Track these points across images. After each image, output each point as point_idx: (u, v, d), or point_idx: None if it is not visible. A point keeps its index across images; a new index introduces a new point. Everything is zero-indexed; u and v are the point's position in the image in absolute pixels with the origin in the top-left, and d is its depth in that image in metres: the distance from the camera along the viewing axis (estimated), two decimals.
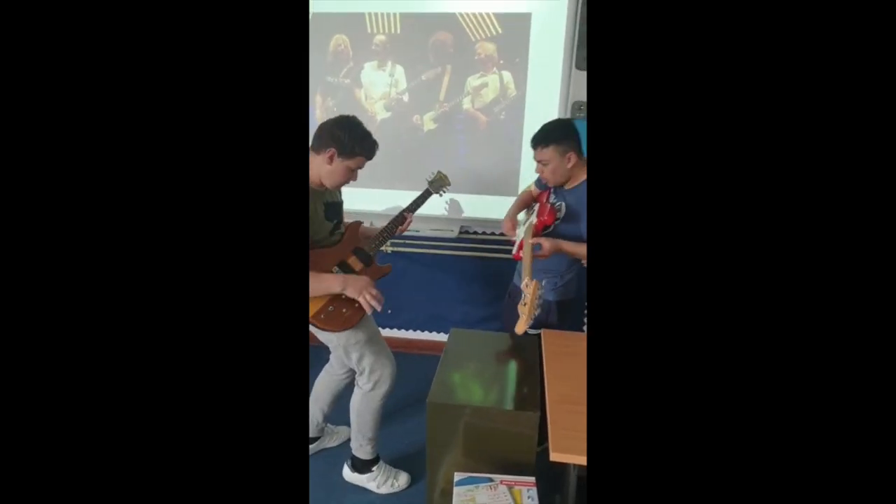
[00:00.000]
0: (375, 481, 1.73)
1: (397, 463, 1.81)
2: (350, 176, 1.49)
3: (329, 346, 1.64)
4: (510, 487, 1.17)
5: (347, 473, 1.76)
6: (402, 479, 1.76)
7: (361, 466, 1.73)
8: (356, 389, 1.69)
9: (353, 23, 2.14)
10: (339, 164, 1.44)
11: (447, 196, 2.29)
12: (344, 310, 1.50)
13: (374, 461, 1.74)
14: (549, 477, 1.52)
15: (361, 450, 1.71)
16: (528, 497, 1.15)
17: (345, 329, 1.51)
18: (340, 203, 1.62)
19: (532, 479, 1.20)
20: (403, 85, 2.19)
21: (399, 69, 2.18)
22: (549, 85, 2.09)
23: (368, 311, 1.47)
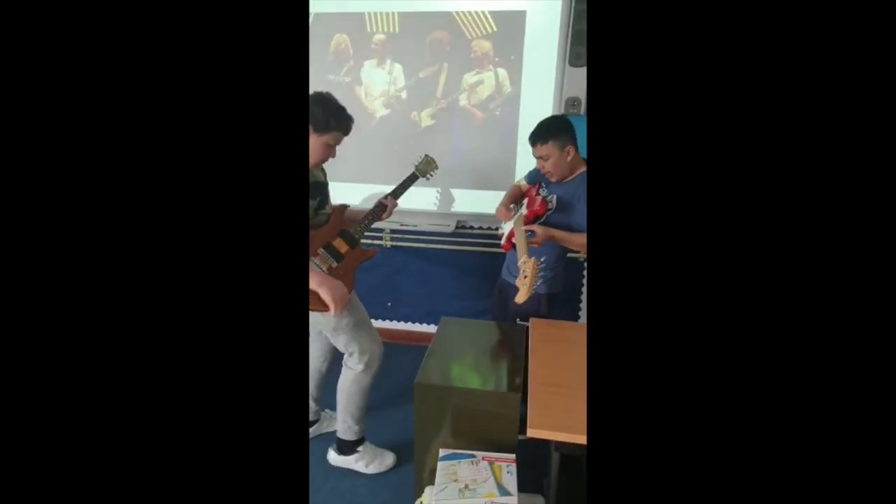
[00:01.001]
0: (363, 461, 1.76)
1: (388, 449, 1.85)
2: (328, 152, 1.51)
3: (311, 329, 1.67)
4: (491, 463, 1.22)
5: (333, 457, 1.79)
6: (389, 459, 1.80)
7: (346, 448, 1.77)
8: (346, 371, 1.72)
9: (353, 22, 2.21)
10: (316, 141, 1.46)
11: (437, 189, 2.34)
12: None
13: (360, 442, 1.77)
14: (537, 463, 1.57)
15: (349, 431, 1.74)
16: (507, 472, 1.20)
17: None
18: (324, 183, 1.65)
19: (512, 456, 1.24)
20: (402, 82, 2.25)
21: (398, 67, 2.24)
22: (543, 81, 2.14)
23: (332, 311, 1.45)
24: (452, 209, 2.39)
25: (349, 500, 1.69)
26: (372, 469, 1.77)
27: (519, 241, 1.50)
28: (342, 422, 1.75)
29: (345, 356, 1.71)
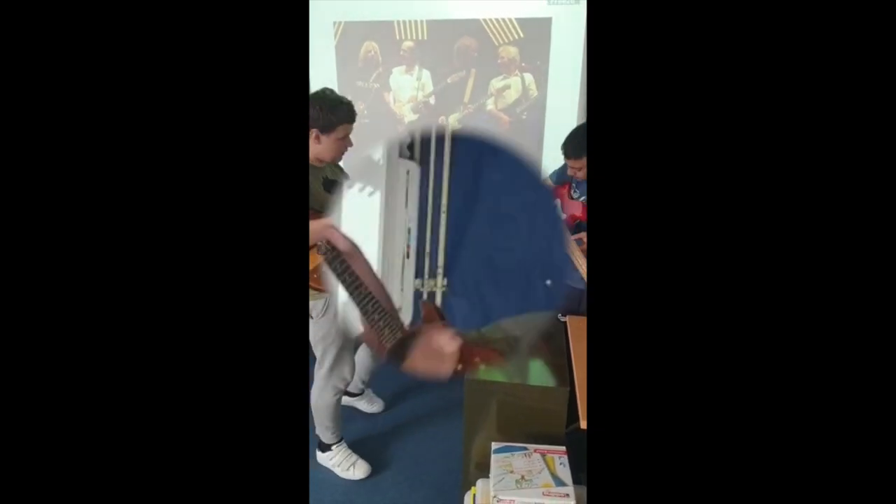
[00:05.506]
0: (332, 461, 1.77)
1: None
2: (344, 145, 1.51)
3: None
4: (543, 455, 1.27)
5: (319, 455, 1.81)
6: (360, 471, 1.76)
7: (324, 447, 1.79)
8: (314, 382, 1.71)
9: (382, 30, 2.26)
10: (327, 140, 1.46)
11: None
12: None
13: (336, 442, 1.79)
14: (577, 456, 1.62)
15: (324, 434, 1.77)
16: (561, 463, 1.25)
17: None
18: (342, 184, 1.55)
19: (563, 448, 1.30)
20: (430, 88, 2.31)
21: (426, 73, 2.30)
22: (569, 86, 2.19)
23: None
24: None
25: None
26: (339, 472, 1.76)
27: (575, 253, 1.50)
28: (318, 425, 1.75)
29: (316, 366, 1.67)
